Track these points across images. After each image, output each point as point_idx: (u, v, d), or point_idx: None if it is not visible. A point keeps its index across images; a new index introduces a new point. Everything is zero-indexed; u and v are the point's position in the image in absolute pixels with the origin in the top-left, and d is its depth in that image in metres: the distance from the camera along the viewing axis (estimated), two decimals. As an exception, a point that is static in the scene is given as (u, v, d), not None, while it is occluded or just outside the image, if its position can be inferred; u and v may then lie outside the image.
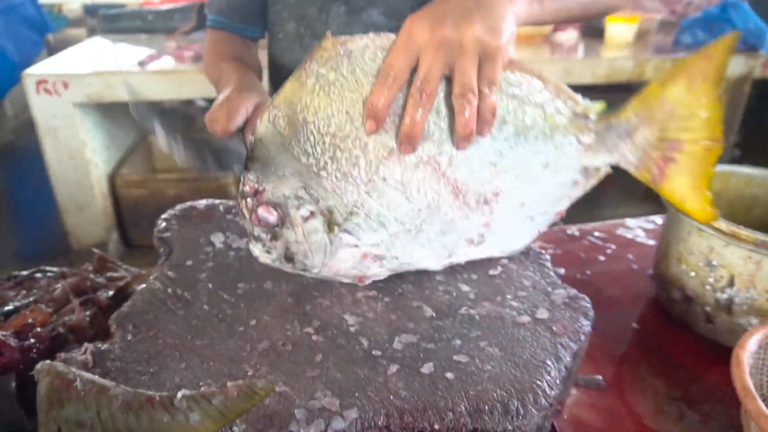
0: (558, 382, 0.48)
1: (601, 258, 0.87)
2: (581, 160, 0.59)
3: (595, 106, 0.57)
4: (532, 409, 0.45)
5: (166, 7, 3.02)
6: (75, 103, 2.08)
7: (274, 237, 0.56)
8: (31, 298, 0.67)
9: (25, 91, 2.05)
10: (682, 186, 0.57)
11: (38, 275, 0.74)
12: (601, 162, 0.59)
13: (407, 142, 0.51)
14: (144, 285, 0.60)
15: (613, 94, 3.23)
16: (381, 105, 0.50)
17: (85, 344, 0.50)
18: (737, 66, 2.73)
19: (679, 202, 0.58)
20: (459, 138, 0.52)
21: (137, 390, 0.45)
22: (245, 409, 0.41)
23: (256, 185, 0.55)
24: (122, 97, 2.10)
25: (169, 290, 0.59)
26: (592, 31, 3.16)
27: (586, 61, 2.58)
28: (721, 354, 0.65)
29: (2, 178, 3.40)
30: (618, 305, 0.76)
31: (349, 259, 0.58)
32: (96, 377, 0.46)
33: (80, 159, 2.17)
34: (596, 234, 0.94)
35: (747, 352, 0.50)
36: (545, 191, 0.60)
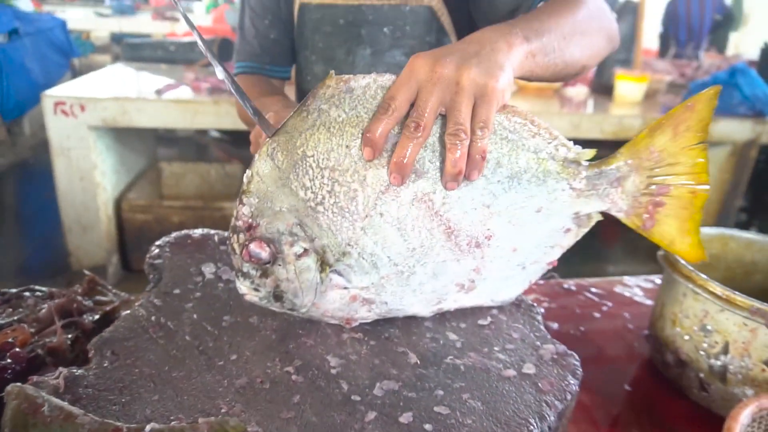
0: (540, 442, 0.46)
1: (597, 315, 0.86)
2: (573, 206, 0.59)
3: (587, 153, 0.58)
4: (511, 469, 0.44)
5: (187, 39, 3.12)
6: (90, 126, 2.13)
7: (264, 274, 0.56)
8: (15, 317, 0.66)
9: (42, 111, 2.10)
10: (671, 229, 0.58)
11: (27, 294, 0.73)
12: (593, 208, 0.59)
13: (397, 171, 0.52)
14: (128, 311, 0.59)
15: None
16: (378, 133, 0.51)
17: (60, 368, 0.49)
18: (745, 131, 2.75)
19: (668, 244, 0.59)
20: (447, 177, 0.53)
21: (105, 420, 0.44)
22: (212, 448, 0.40)
23: (250, 220, 0.55)
24: (136, 123, 2.14)
25: (153, 318, 0.58)
26: (602, 87, 3.22)
27: (594, 117, 2.62)
28: (715, 423, 0.63)
29: (15, 194, 3.45)
30: (611, 365, 0.74)
31: (337, 300, 0.58)
32: (65, 404, 0.45)
33: (89, 181, 2.20)
34: (593, 290, 0.93)
35: (739, 424, 0.48)
36: (537, 237, 0.60)
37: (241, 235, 0.55)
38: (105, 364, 0.51)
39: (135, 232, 2.42)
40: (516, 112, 0.56)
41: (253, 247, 0.54)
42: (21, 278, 2.40)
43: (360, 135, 0.53)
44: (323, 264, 0.55)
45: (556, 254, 0.62)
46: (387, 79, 0.53)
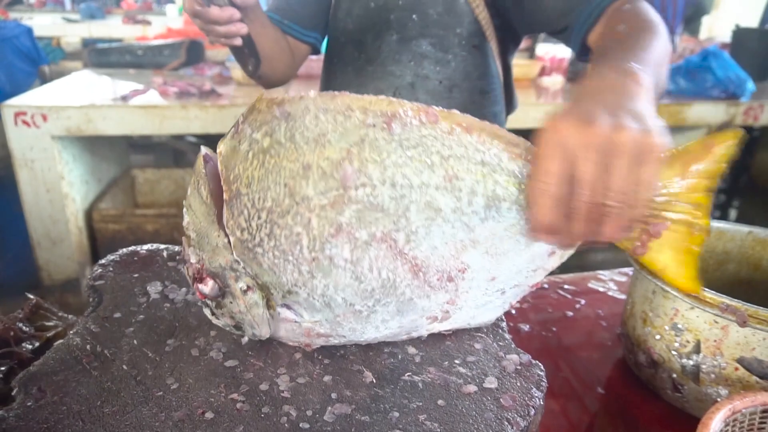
0: (499, 464, 0.43)
1: (570, 313, 0.83)
2: None
3: None
4: (469, 497, 0.40)
5: (156, 42, 3.05)
6: (53, 136, 2.05)
7: (218, 306, 0.53)
8: (-55, 350, 0.62)
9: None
10: (665, 258, 0.53)
11: (-38, 322, 0.69)
12: None
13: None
14: (62, 340, 0.55)
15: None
16: (551, 223, 0.44)
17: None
18: (718, 114, 2.76)
19: (660, 271, 0.54)
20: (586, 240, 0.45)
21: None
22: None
23: (193, 254, 0.51)
24: (103, 131, 2.08)
25: (88, 347, 0.54)
26: (577, 76, 3.21)
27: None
28: (690, 423, 0.60)
29: (-18, 209, 3.35)
30: (584, 367, 0.71)
31: (291, 331, 0.54)
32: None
33: (56, 192, 2.13)
34: (566, 287, 0.90)
35: (711, 431, 0.45)
36: (518, 264, 0.53)
37: (189, 269, 0.52)
38: (29, 403, 0.47)
39: (108, 243, 2.35)
40: (494, 133, 0.48)
41: (200, 285, 0.51)
42: (-10, 296, 2.32)
43: (301, 171, 0.46)
44: (270, 301, 0.51)
45: (539, 277, 0.56)
46: (328, 99, 0.46)
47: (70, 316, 0.73)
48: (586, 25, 0.71)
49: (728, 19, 5.64)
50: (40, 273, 2.24)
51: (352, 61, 0.92)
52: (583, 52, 0.76)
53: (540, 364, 0.54)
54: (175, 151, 4.06)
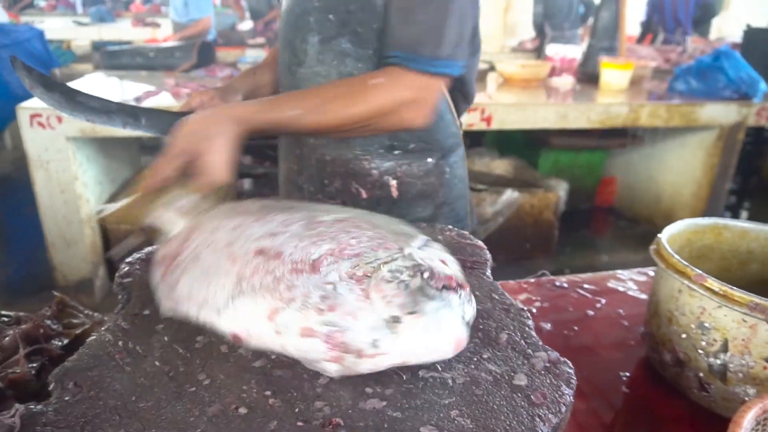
0: (533, 460, 0.43)
1: (591, 313, 0.83)
2: None
3: None
4: (504, 493, 0.41)
5: (167, 44, 3.07)
6: (68, 137, 2.08)
7: None
8: (-22, 346, 0.63)
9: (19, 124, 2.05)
10: None
11: (-8, 320, 0.70)
12: None
13: None
14: (94, 336, 0.56)
15: (609, 139, 3.26)
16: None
17: (16, 405, 0.45)
18: (731, 114, 2.74)
19: None
20: None
21: (62, 463, 0.40)
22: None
23: None
24: (117, 132, 2.10)
25: (120, 343, 0.55)
26: (588, 76, 3.20)
27: (580, 106, 2.59)
28: (716, 423, 0.60)
29: (-2, 210, 3.38)
30: (607, 366, 0.71)
31: None
32: (17, 447, 0.41)
33: (71, 193, 2.15)
34: (586, 286, 0.90)
35: (743, 430, 0.45)
36: None
37: None
38: (66, 398, 0.47)
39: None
40: None
41: None
42: (5, 296, 2.35)
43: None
44: None
45: None
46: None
47: (95, 314, 0.74)
48: (383, 61, 0.85)
49: (738, 19, 5.60)
50: (54, 273, 2.27)
51: (288, 64, 0.96)
52: None
53: (569, 361, 0.54)
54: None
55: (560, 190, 2.83)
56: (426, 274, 0.53)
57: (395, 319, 0.52)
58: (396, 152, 0.95)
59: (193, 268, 0.59)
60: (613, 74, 2.95)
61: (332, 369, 0.51)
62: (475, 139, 3.62)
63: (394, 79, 0.80)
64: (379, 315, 0.52)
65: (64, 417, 0.45)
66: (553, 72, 3.16)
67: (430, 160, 0.96)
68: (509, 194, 2.69)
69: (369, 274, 0.55)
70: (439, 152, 0.97)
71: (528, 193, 2.75)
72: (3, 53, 3.60)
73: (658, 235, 0.69)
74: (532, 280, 0.91)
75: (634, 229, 3.26)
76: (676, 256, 0.62)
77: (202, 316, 0.57)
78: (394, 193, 0.95)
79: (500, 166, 3.21)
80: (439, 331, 0.52)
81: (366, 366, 0.51)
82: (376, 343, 0.51)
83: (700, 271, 0.59)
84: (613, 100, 2.72)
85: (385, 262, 0.56)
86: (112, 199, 2.45)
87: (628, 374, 0.71)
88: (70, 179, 2.13)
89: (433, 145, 0.97)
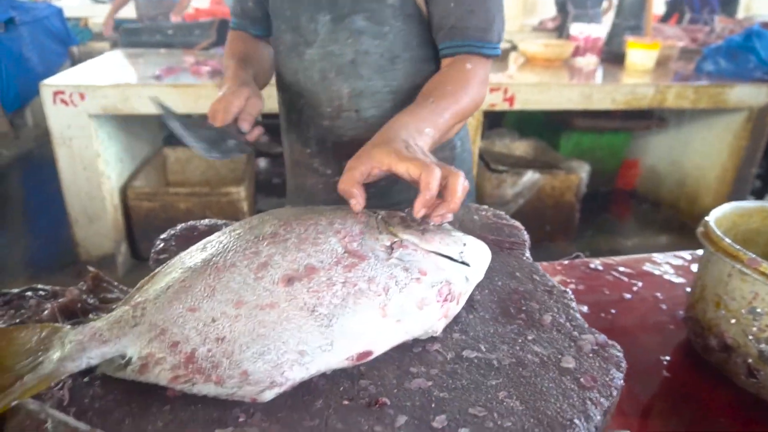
0: (587, 444, 0.42)
1: (627, 296, 0.81)
2: None
3: None
4: (558, 476, 0.40)
5: (186, 22, 3.05)
6: (90, 114, 2.08)
7: None
8: (17, 320, 0.63)
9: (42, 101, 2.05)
10: None
11: (29, 293, 0.70)
12: None
13: None
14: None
15: (633, 120, 3.19)
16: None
17: (63, 378, 0.45)
18: (761, 96, 2.66)
19: None
20: None
21: (114, 436, 0.40)
22: (231, 466, 0.37)
23: None
24: (138, 110, 2.10)
25: (162, 319, 0.54)
26: (613, 56, 3.13)
27: (605, 87, 2.53)
28: (764, 409, 0.59)
29: (20, 186, 3.43)
30: (647, 350, 0.70)
31: None
32: (70, 419, 0.41)
33: (93, 170, 2.16)
34: (621, 269, 0.89)
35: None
36: None
37: None
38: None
39: (142, 220, 2.39)
40: None
41: None
42: (29, 272, 2.38)
43: None
44: None
45: None
46: None
47: (128, 289, 0.74)
48: (441, 53, 0.86)
49: (768, -3, 5.41)
50: (77, 249, 2.29)
51: (294, 46, 0.93)
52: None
53: (617, 344, 0.52)
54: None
55: (582, 172, 2.79)
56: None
57: (461, 253, 0.57)
58: None
59: (243, 351, 0.45)
60: (639, 54, 2.87)
61: (440, 327, 0.53)
62: (494, 120, 3.57)
63: (479, 68, 0.82)
64: (450, 253, 0.56)
65: (112, 389, 0.45)
66: (577, 51, 3.09)
67: None
68: (530, 176, 2.65)
69: (394, 233, 0.57)
70: None
71: (549, 175, 2.71)
72: (23, 31, 3.61)
73: (705, 218, 0.67)
74: (566, 262, 0.90)
75: (656, 213, 3.21)
76: (727, 239, 0.60)
77: (297, 372, 0.46)
78: None
79: (520, 147, 3.16)
80: (479, 245, 0.61)
81: (459, 307, 0.55)
82: (467, 277, 0.56)
83: (753, 255, 0.57)
84: (639, 80, 2.65)
85: (384, 220, 0.60)
86: (132, 176, 2.46)
87: (668, 358, 0.69)
88: (92, 156, 2.14)
89: None
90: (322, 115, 0.94)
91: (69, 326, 0.48)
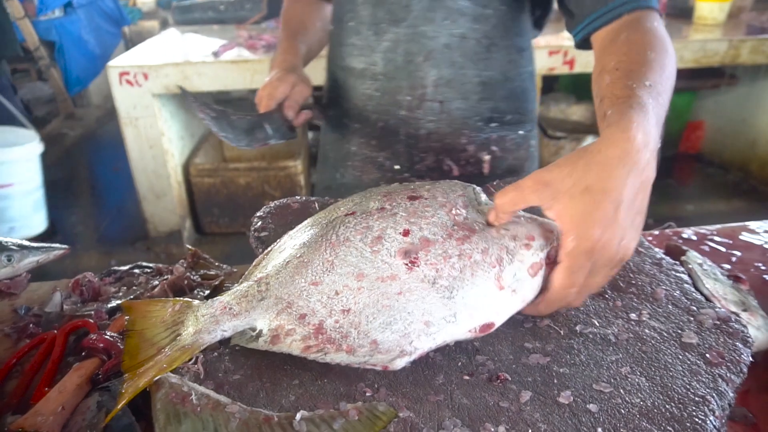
0: (723, 422, 0.41)
1: (726, 266, 0.78)
2: None
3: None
4: (695, 454, 0.39)
5: (237, -4, 3.05)
6: (154, 94, 2.14)
7: None
8: (131, 296, 0.67)
9: (107, 82, 2.12)
10: None
11: (136, 271, 0.74)
12: None
13: None
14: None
15: (699, 79, 3.01)
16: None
17: (196, 354, 0.47)
18: None
19: None
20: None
21: (254, 408, 0.42)
22: (373, 439, 0.38)
23: None
24: (199, 87, 2.14)
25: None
26: (678, 10, 2.94)
27: (673, 44, 2.39)
28: None
29: (86, 165, 3.59)
30: (754, 322, 0.67)
31: None
32: (211, 392, 0.43)
33: (158, 148, 2.23)
34: (716, 239, 0.85)
35: None
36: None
37: None
38: (237, 347, 0.49)
39: (204, 196, 2.46)
40: None
41: None
42: (103, 247, 2.51)
43: None
44: None
45: None
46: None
47: (224, 266, 0.77)
48: (595, 24, 0.70)
49: None
50: (146, 225, 2.39)
51: (374, 23, 0.82)
52: (583, 45, 0.75)
53: (740, 319, 0.51)
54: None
55: (645, 136, 2.67)
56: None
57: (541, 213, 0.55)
58: (493, 124, 0.87)
59: (370, 322, 0.47)
60: (709, 7, 2.68)
61: None
62: (547, 84, 3.44)
63: (657, 23, 0.69)
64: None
65: (241, 365, 0.47)
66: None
67: (521, 132, 0.91)
68: (590, 141, 2.56)
69: (480, 202, 0.58)
70: (529, 123, 0.92)
71: (610, 140, 2.61)
72: (81, 13, 3.72)
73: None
74: (656, 232, 0.87)
75: (724, 177, 3.05)
76: None
77: (425, 342, 0.46)
78: (486, 169, 0.89)
79: (577, 111, 3.05)
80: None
81: None
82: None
83: None
84: (710, 35, 2.49)
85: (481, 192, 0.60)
86: (193, 154, 2.53)
87: (777, 332, 0.66)
88: (157, 135, 2.21)
89: (526, 115, 0.91)
90: (398, 104, 0.85)
91: (198, 301, 0.50)
